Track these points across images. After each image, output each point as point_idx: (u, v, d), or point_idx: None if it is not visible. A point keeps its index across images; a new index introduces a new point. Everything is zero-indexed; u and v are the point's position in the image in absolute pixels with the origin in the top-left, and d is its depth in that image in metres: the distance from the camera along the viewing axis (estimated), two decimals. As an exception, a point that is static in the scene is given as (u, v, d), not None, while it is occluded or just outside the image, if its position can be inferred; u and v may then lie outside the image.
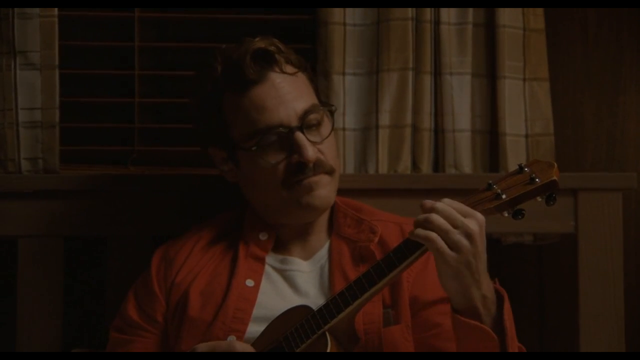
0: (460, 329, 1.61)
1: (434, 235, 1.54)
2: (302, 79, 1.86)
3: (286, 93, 1.80)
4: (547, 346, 2.32)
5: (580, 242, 2.12)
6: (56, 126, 2.17)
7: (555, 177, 1.58)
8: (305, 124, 1.80)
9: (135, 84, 2.26)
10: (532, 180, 1.58)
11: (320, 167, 1.80)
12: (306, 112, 1.80)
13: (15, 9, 2.15)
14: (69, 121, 2.24)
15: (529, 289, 2.34)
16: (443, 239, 1.54)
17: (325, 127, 1.84)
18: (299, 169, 1.79)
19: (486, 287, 1.59)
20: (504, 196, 1.58)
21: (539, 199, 1.59)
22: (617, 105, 2.34)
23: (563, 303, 2.29)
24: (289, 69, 1.84)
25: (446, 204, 1.56)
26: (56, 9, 2.17)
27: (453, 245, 1.54)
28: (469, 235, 1.54)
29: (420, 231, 1.56)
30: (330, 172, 1.82)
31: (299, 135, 1.78)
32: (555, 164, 1.59)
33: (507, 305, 1.61)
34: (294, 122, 1.79)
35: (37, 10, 2.15)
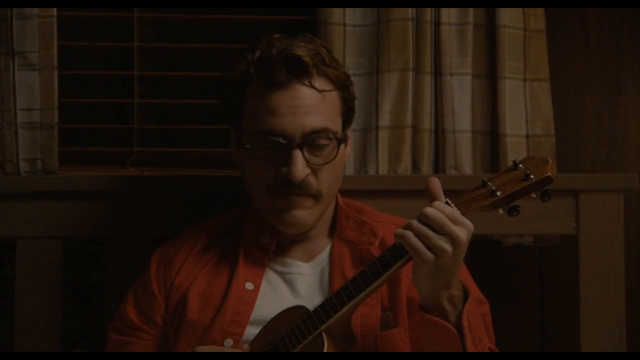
0: (425, 325, 1.62)
1: (408, 233, 1.55)
2: (331, 98, 1.79)
3: (302, 106, 1.75)
4: (548, 347, 2.32)
5: (581, 243, 2.12)
6: (55, 127, 2.16)
7: (549, 173, 1.57)
8: (308, 142, 1.76)
9: (134, 85, 2.26)
10: (527, 176, 1.57)
11: (305, 189, 1.77)
12: (313, 132, 1.75)
13: (14, 9, 2.14)
14: (68, 122, 2.23)
15: (530, 290, 2.34)
16: (423, 243, 1.55)
17: (331, 153, 1.78)
18: (284, 183, 1.76)
19: (455, 286, 1.60)
20: (498, 193, 1.57)
21: (533, 195, 1.58)
22: (618, 106, 2.33)
23: (564, 304, 2.29)
24: (321, 84, 1.77)
25: (437, 209, 1.56)
26: (55, 9, 2.16)
27: (434, 250, 1.54)
28: (455, 243, 1.54)
29: (399, 230, 1.57)
30: (316, 196, 1.79)
31: (296, 151, 1.74)
32: (550, 160, 1.58)
33: (468, 304, 1.61)
34: (297, 138, 1.75)
35: (36, 10, 2.15)
